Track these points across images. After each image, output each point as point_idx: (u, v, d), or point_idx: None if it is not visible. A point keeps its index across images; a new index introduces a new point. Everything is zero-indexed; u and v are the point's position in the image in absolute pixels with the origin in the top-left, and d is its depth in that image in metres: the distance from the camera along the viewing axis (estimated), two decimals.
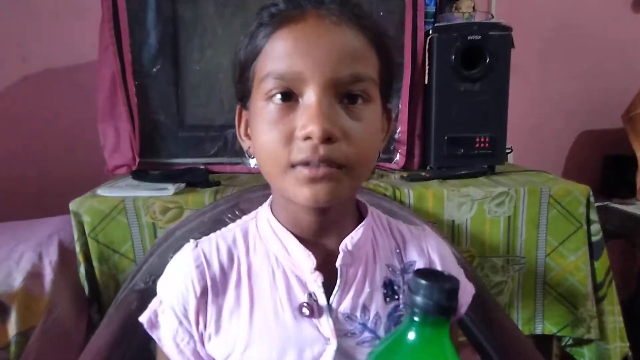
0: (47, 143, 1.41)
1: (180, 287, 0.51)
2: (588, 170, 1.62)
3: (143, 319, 0.52)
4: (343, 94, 0.45)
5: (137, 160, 1.02)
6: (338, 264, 0.50)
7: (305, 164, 0.44)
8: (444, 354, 0.37)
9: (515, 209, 0.92)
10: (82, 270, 0.84)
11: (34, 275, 0.81)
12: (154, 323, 0.52)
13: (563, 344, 0.99)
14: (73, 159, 1.41)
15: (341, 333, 0.50)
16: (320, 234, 0.51)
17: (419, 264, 0.55)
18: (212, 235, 0.55)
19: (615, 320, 0.95)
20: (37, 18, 1.36)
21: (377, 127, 0.49)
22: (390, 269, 0.54)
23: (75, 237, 0.84)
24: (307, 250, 0.50)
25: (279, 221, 0.52)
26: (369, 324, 0.51)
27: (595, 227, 0.93)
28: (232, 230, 0.55)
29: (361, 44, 0.46)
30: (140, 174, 0.97)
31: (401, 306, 0.53)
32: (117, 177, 1.02)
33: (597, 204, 1.36)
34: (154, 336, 0.52)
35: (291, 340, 0.49)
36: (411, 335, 0.38)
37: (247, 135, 0.53)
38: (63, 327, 0.77)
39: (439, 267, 0.56)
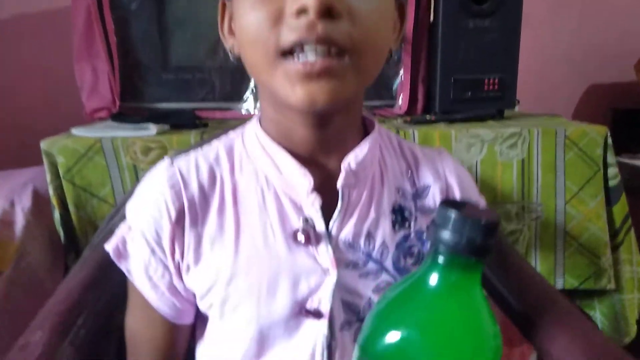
0: (22, 91, 1.32)
1: (152, 210, 0.43)
2: (597, 123, 1.55)
3: (109, 247, 0.45)
4: None
5: (118, 103, 0.94)
6: (339, 184, 0.43)
7: (299, 47, 0.36)
8: (474, 305, 0.30)
9: (529, 151, 0.85)
10: (56, 215, 0.77)
11: (4, 221, 0.74)
12: (121, 252, 0.45)
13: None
14: (50, 108, 1.31)
15: (342, 263, 0.43)
16: (319, 151, 0.44)
17: (434, 189, 0.48)
18: (192, 152, 0.47)
19: (633, 269, 0.89)
20: None
21: (388, 11, 0.41)
22: (400, 192, 0.47)
23: (48, 179, 0.76)
24: (303, 168, 0.42)
25: (269, 136, 0.45)
26: (374, 254, 0.44)
27: (613, 171, 0.87)
28: (215, 147, 0.47)
29: None
30: (121, 117, 0.89)
31: (412, 235, 0.46)
32: (97, 122, 0.94)
33: None
34: (122, 268, 0.45)
35: (283, 270, 0.42)
36: (433, 279, 0.30)
37: (231, 32, 0.45)
38: (36, 274, 0.71)
39: (456, 192, 0.49)
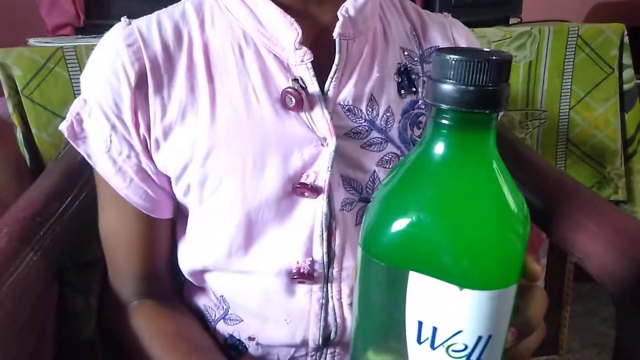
0: None
1: (108, 75, 0.36)
2: None
3: (63, 126, 0.38)
4: None
5: (82, 18, 0.84)
6: (336, 33, 0.35)
7: None
8: (491, 171, 0.23)
9: (539, 52, 0.78)
10: (19, 135, 0.69)
11: None
12: (76, 132, 0.38)
13: None
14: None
15: (341, 131, 0.36)
16: (308, 1, 0.37)
17: None
18: (153, 13, 0.39)
19: None
20: None
21: None
22: (406, 53, 0.40)
23: (6, 94, 0.68)
24: (289, 17, 0.35)
25: None
26: (378, 121, 0.37)
27: (629, 73, 0.80)
28: (182, 3, 0.40)
29: None
30: (87, 31, 0.80)
31: (420, 102, 0.39)
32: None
33: None
34: (80, 151, 0.38)
35: (271, 140, 0.35)
36: (440, 148, 0.24)
37: None
38: (1, 200, 0.64)
39: None
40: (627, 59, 0.80)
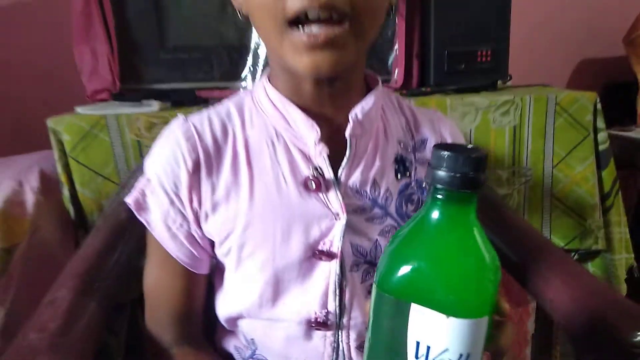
0: (14, 75, 1.32)
1: (170, 161, 0.46)
2: None
3: (130, 199, 0.47)
4: None
5: (118, 84, 0.95)
6: (347, 133, 0.45)
7: (304, 15, 0.38)
8: (471, 233, 0.33)
9: (521, 118, 0.88)
10: (65, 192, 0.78)
11: (14, 198, 0.76)
12: (141, 204, 0.47)
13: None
14: (50, 91, 1.32)
15: (350, 208, 0.46)
16: (325, 105, 0.46)
17: (431, 142, 0.51)
18: (203, 110, 0.49)
19: (621, 231, 0.93)
20: None
21: None
22: (401, 144, 0.50)
23: (56, 157, 0.78)
24: (310, 120, 0.45)
25: (278, 91, 0.47)
26: (380, 200, 0.47)
27: (603, 136, 0.90)
28: (226, 104, 0.50)
29: None
30: (122, 96, 0.91)
31: (413, 184, 0.49)
32: (99, 103, 0.96)
33: None
34: (142, 219, 0.47)
35: (296, 216, 0.45)
36: (435, 215, 0.33)
37: None
38: (49, 247, 0.73)
39: None
40: (601, 123, 0.90)
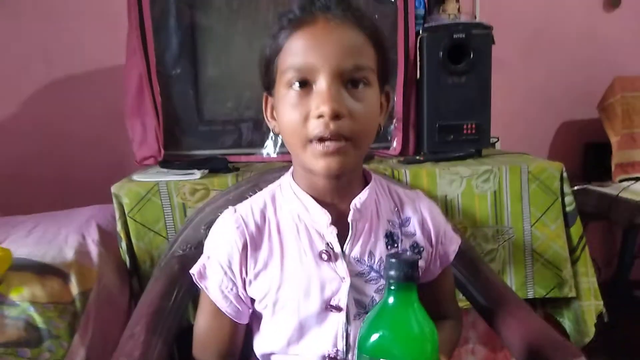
0: (69, 142, 1.53)
1: (226, 244, 0.63)
2: (570, 157, 1.76)
3: (194, 270, 0.64)
4: (347, 80, 0.57)
5: (162, 152, 1.15)
6: (349, 219, 0.62)
7: (320, 139, 0.56)
8: (414, 311, 0.50)
9: (500, 184, 1.05)
10: (123, 245, 0.96)
11: (82, 250, 0.93)
12: (202, 274, 0.64)
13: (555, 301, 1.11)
14: (94, 158, 1.53)
15: (353, 273, 0.62)
16: (334, 196, 0.64)
17: (414, 220, 0.68)
18: (246, 201, 0.67)
19: (589, 280, 1.08)
20: (60, 25, 1.49)
21: (376, 107, 0.61)
22: (390, 223, 0.67)
23: (117, 216, 0.96)
24: (323, 209, 0.62)
25: (299, 186, 0.64)
26: (375, 266, 0.63)
27: (569, 199, 1.06)
28: (262, 196, 0.68)
29: (361, 40, 0.58)
30: (167, 163, 1.09)
31: (400, 251, 0.65)
32: (145, 167, 1.15)
33: (577, 187, 1.51)
34: (202, 285, 0.64)
35: (314, 279, 0.61)
36: (390, 300, 0.50)
37: (272, 117, 0.65)
38: (111, 292, 0.89)
39: (429, 222, 0.68)
40: (567, 188, 1.06)
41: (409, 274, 0.48)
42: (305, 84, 0.57)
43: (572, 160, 1.76)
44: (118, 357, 0.61)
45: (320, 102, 0.55)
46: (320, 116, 0.55)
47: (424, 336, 0.48)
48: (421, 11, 1.27)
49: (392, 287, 0.49)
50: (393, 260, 0.49)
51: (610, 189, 1.50)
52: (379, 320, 0.50)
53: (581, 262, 1.07)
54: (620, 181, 1.55)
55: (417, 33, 1.19)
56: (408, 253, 0.51)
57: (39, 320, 0.72)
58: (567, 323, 1.12)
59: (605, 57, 1.72)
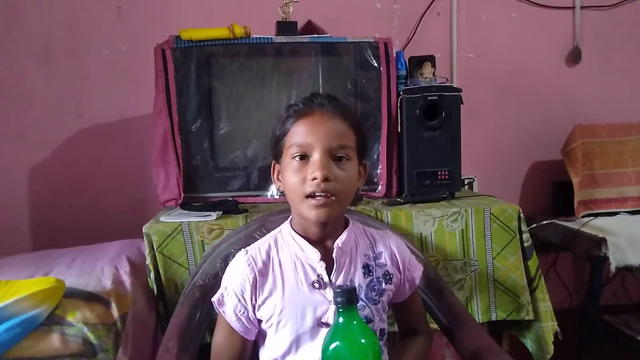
0: (97, 185, 1.74)
1: (240, 279, 0.82)
2: (539, 194, 1.96)
3: (214, 299, 0.84)
4: (334, 156, 0.78)
5: (182, 195, 1.35)
6: (334, 255, 0.82)
7: (313, 195, 0.77)
8: (357, 325, 0.67)
9: (466, 224, 1.24)
10: (152, 276, 1.15)
11: (117, 280, 1.12)
12: (221, 302, 0.83)
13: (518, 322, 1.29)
14: (118, 197, 1.73)
15: None
16: (323, 238, 0.84)
17: (385, 253, 0.88)
18: (255, 244, 0.87)
19: (545, 305, 1.26)
20: (91, 82, 1.72)
21: (354, 174, 0.82)
22: (366, 256, 0.87)
23: (147, 252, 1.15)
24: (314, 248, 0.82)
25: (296, 231, 0.84)
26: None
27: (526, 236, 1.26)
28: (267, 239, 0.88)
29: (345, 128, 0.80)
30: (186, 206, 1.30)
31: (374, 280, 0.85)
32: (168, 209, 1.35)
33: (545, 222, 1.70)
34: (220, 310, 0.83)
35: (308, 303, 0.81)
36: (340, 319, 0.67)
37: (278, 179, 0.86)
38: (142, 316, 1.08)
39: (397, 254, 0.88)
40: (524, 227, 1.26)
41: (350, 299, 0.66)
42: (305, 157, 0.78)
43: (541, 197, 1.96)
44: None
45: (314, 169, 0.76)
46: (314, 179, 0.76)
47: (367, 344, 0.66)
48: (403, 72, 1.51)
49: (340, 310, 0.67)
50: (338, 290, 0.66)
51: (573, 224, 1.68)
52: (334, 335, 0.67)
53: (539, 289, 1.26)
54: (583, 216, 1.74)
55: (399, 94, 1.41)
56: (350, 284, 0.69)
57: (92, 338, 0.90)
58: (529, 343, 1.30)
59: (568, 107, 1.93)
